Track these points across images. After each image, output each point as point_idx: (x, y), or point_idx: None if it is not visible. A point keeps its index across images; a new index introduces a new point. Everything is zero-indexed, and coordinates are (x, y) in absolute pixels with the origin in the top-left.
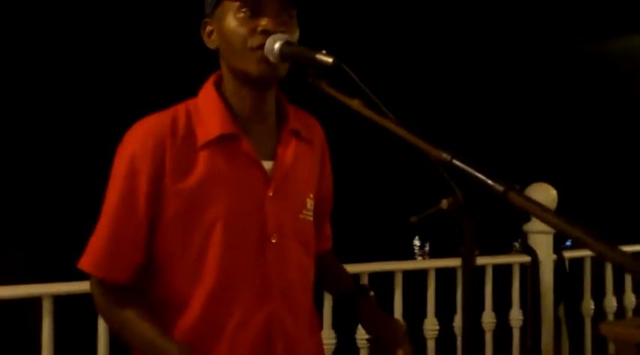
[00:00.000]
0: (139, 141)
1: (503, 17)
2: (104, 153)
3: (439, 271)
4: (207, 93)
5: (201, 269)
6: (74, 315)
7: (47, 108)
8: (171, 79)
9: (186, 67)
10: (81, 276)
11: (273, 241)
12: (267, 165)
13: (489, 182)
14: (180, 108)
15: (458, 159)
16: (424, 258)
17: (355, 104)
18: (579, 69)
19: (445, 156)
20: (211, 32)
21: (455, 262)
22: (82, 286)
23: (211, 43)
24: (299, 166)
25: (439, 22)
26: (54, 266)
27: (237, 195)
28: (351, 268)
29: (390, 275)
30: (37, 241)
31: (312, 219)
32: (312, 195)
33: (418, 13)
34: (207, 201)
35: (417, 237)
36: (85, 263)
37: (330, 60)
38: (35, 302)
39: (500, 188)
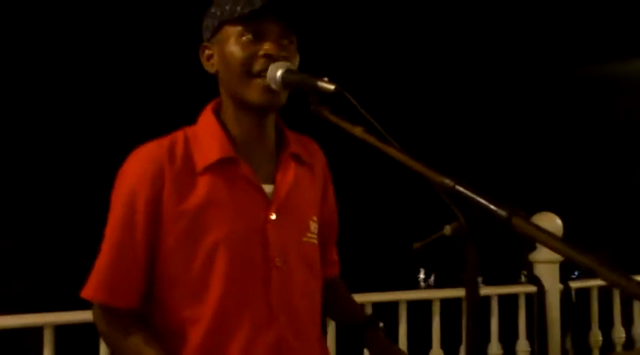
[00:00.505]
0: (137, 168)
1: (504, 44)
2: (105, 180)
3: (444, 301)
4: (206, 119)
5: (204, 294)
6: (75, 345)
7: (46, 134)
8: (171, 105)
9: (186, 94)
10: (82, 305)
11: (278, 265)
12: (268, 188)
13: (492, 207)
14: (179, 135)
15: (461, 185)
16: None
17: (358, 131)
18: (583, 94)
19: (448, 182)
20: (211, 56)
21: (460, 292)
22: (83, 315)
23: (210, 67)
24: (300, 189)
25: (440, 49)
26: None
27: (238, 219)
28: (355, 298)
29: (394, 306)
30: (40, 267)
31: (316, 241)
32: (315, 218)
33: (419, 38)
34: (208, 225)
35: (422, 270)
36: (87, 291)
37: (331, 87)
38: (36, 331)
39: (503, 214)
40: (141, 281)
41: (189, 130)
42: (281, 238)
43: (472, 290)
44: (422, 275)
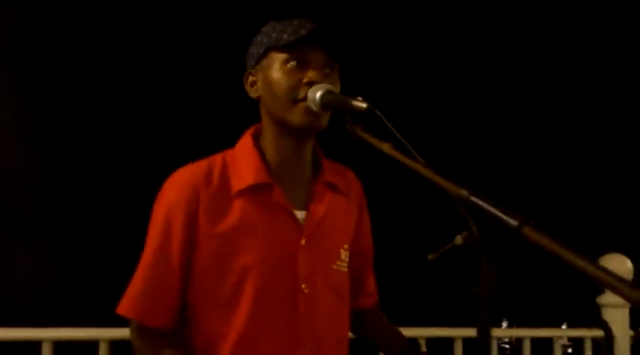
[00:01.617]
0: (174, 191)
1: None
2: (148, 199)
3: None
4: (244, 144)
5: (232, 314)
6: None
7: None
8: (214, 129)
9: (229, 118)
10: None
11: (305, 290)
12: (300, 214)
13: (503, 217)
14: (218, 158)
15: (475, 196)
16: (511, 342)
17: (386, 147)
18: None
19: (463, 193)
20: (254, 82)
21: (518, 332)
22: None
23: (254, 92)
24: (332, 217)
25: (488, 77)
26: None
27: (269, 244)
28: (408, 332)
29: (449, 342)
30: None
31: (346, 270)
32: (346, 246)
33: (458, 60)
34: (239, 248)
35: (504, 319)
36: (124, 308)
37: (364, 105)
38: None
39: (514, 223)
40: (175, 302)
41: (228, 154)
42: (310, 264)
43: (485, 304)
44: (504, 324)
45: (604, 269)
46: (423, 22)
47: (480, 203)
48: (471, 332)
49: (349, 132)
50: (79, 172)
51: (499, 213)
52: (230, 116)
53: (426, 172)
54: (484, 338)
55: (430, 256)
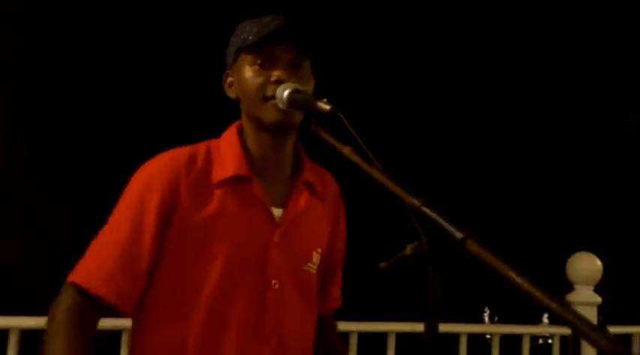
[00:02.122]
0: (154, 171)
1: (547, 89)
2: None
3: (472, 336)
4: (229, 135)
5: (196, 305)
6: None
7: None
8: (203, 121)
9: (217, 117)
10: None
11: (275, 286)
12: (277, 212)
13: (449, 228)
14: (202, 146)
15: (426, 206)
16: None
17: (346, 151)
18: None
19: (415, 202)
20: (232, 83)
21: (489, 328)
22: (112, 323)
23: (232, 93)
24: (308, 219)
25: (490, 95)
26: None
27: (241, 236)
28: (379, 326)
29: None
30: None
31: (315, 272)
32: (319, 250)
33: (466, 80)
34: (212, 237)
35: (486, 308)
36: (81, 277)
37: (327, 107)
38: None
39: (458, 235)
40: (141, 284)
41: (213, 143)
42: (281, 262)
43: (433, 312)
44: (487, 317)
45: (540, 289)
46: (394, 27)
47: (429, 213)
48: (443, 327)
49: (313, 132)
50: (73, 173)
51: (446, 225)
52: (217, 114)
53: (382, 179)
54: (431, 339)
55: (382, 264)
